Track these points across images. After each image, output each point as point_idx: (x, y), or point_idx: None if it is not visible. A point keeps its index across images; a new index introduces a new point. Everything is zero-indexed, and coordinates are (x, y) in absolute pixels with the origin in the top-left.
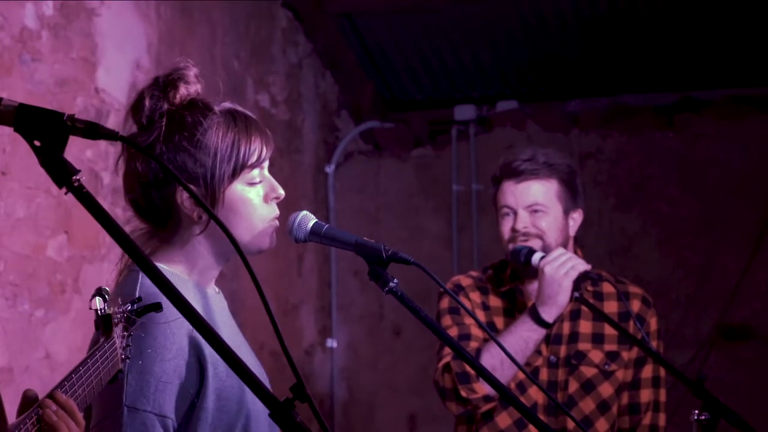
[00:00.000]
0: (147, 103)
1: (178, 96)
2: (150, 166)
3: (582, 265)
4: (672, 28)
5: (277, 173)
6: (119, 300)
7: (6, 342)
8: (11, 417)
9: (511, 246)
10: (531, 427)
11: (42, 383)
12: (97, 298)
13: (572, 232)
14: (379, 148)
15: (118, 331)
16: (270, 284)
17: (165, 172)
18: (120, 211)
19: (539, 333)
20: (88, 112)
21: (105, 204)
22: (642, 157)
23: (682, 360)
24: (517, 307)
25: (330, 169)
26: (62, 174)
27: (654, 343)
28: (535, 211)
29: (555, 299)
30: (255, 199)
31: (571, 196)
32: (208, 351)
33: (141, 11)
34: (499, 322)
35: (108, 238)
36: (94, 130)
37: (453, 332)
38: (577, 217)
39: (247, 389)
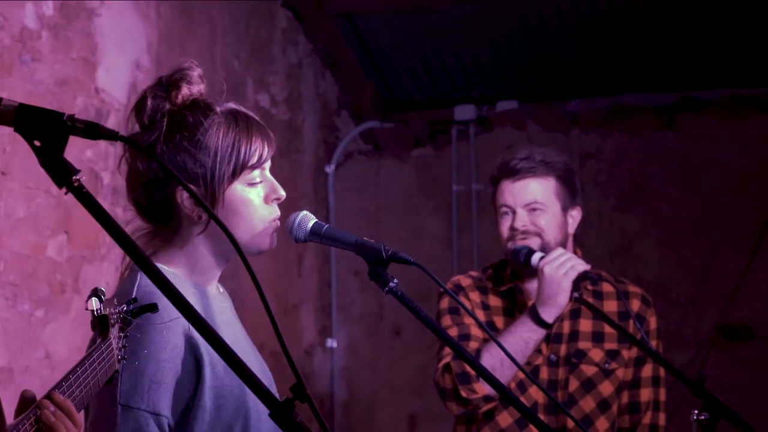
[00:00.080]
0: (149, 102)
1: (180, 96)
2: (150, 166)
3: (581, 265)
4: (672, 28)
5: (277, 173)
6: (115, 301)
7: (6, 342)
8: (9, 418)
9: (510, 245)
10: (532, 425)
11: (42, 383)
12: (93, 299)
13: (571, 230)
14: (379, 148)
15: (114, 331)
16: (270, 284)
17: (165, 172)
18: (120, 211)
19: (539, 333)
20: (88, 112)
21: (105, 204)
22: (642, 157)
23: (682, 360)
24: (516, 306)
25: (330, 169)
26: (62, 174)
27: (654, 343)
28: (534, 209)
29: (554, 299)
30: (255, 199)
31: (570, 193)
32: (206, 350)
33: (141, 11)
34: (499, 321)
35: (108, 238)
36: (94, 130)
37: (453, 332)
38: (575, 215)
39: (247, 389)
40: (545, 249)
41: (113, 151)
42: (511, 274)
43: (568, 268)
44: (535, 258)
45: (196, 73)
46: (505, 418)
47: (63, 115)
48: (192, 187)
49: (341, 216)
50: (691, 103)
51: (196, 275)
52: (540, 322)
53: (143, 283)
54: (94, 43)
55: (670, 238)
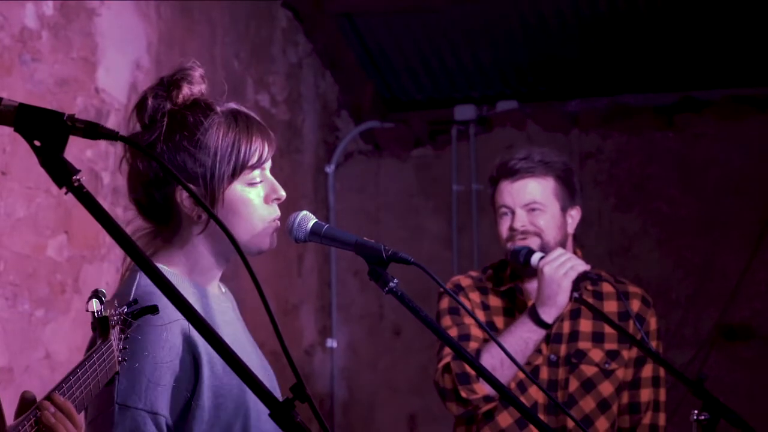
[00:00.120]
0: (150, 102)
1: (181, 96)
2: (151, 165)
3: (581, 266)
4: (672, 28)
5: (277, 173)
6: (115, 302)
7: (6, 342)
8: (9, 418)
9: (510, 245)
10: (532, 426)
11: (42, 383)
12: (93, 300)
13: (571, 229)
14: (379, 148)
15: (115, 333)
16: (270, 284)
17: (164, 171)
18: (120, 211)
19: (539, 333)
20: (88, 112)
21: (105, 204)
22: (642, 157)
23: (682, 360)
24: (516, 306)
25: (330, 169)
26: (62, 174)
27: (653, 343)
28: (533, 209)
29: (554, 300)
30: (255, 199)
31: (569, 193)
32: (204, 349)
33: (141, 11)
34: (498, 321)
35: (108, 238)
36: (94, 130)
37: (453, 332)
38: (575, 215)
39: (247, 388)
40: (545, 249)
41: (113, 151)
42: (511, 275)
43: (568, 268)
44: (535, 258)
45: (197, 73)
46: (505, 418)
47: (63, 115)
48: (192, 186)
49: (341, 216)
50: (691, 103)
51: (196, 275)
52: (540, 323)
53: (142, 282)
54: (94, 43)
55: (670, 238)
